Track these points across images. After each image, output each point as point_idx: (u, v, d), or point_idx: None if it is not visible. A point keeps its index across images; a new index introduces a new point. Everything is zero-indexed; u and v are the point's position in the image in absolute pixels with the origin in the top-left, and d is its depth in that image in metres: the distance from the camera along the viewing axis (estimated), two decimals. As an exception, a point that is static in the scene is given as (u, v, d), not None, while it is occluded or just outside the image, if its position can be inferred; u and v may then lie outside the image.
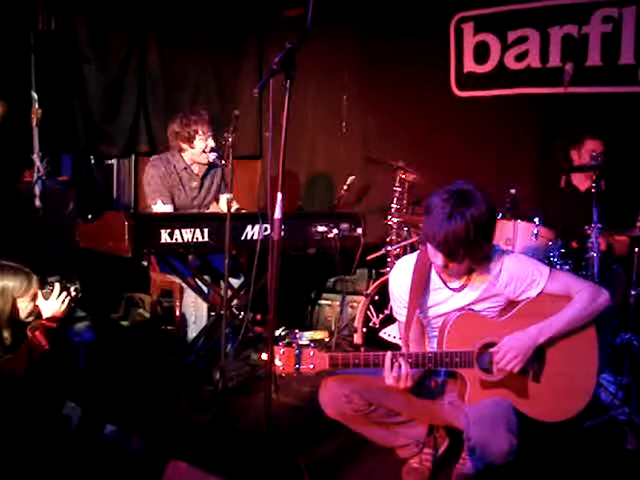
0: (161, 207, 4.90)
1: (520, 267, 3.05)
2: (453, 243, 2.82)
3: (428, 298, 3.15)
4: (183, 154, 4.99)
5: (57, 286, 3.41)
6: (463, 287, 3.09)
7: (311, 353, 2.88)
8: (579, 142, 4.98)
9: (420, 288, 3.12)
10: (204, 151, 4.90)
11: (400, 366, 2.89)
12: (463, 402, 3.03)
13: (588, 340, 3.08)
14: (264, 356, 2.79)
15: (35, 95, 4.96)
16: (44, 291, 3.41)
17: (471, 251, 2.87)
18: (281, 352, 2.85)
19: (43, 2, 5.24)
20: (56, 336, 3.43)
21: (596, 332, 3.09)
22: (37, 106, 4.96)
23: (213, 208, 5.25)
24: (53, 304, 3.40)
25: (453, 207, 2.81)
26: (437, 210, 2.85)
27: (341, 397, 3.05)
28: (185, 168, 5.01)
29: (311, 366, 2.88)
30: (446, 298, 3.12)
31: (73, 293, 3.49)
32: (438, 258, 2.92)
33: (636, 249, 4.10)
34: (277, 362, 2.84)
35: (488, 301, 3.08)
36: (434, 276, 3.13)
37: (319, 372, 2.92)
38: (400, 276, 3.19)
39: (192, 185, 5.07)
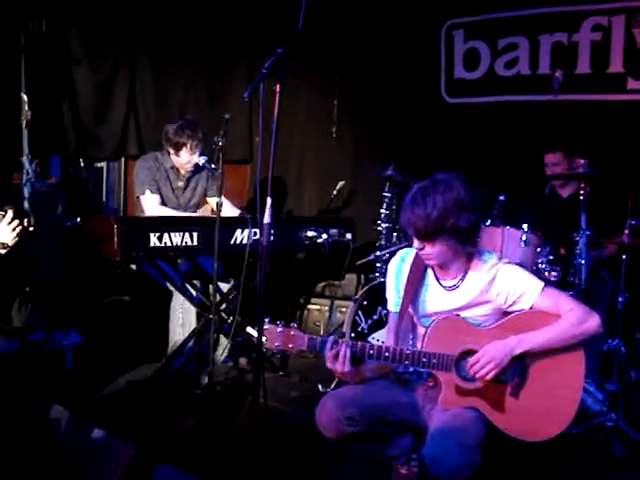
0: (149, 196, 4.94)
1: (514, 278, 3.04)
2: (416, 222, 2.90)
3: (421, 292, 3.16)
4: (171, 156, 5.03)
5: (10, 212, 3.40)
6: (455, 287, 3.10)
7: (292, 332, 2.96)
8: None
9: (415, 280, 3.14)
10: (189, 163, 4.97)
11: (339, 350, 2.92)
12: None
13: (575, 365, 3.02)
14: (251, 330, 2.89)
15: (25, 97, 4.95)
16: None
17: (439, 230, 2.90)
18: (265, 328, 2.93)
19: (34, 4, 5.23)
20: (6, 261, 3.44)
21: (584, 358, 3.02)
22: (27, 108, 4.94)
23: (203, 210, 5.27)
24: (3, 230, 3.39)
25: (420, 190, 2.94)
26: (407, 197, 2.98)
27: (342, 420, 3.01)
28: (172, 167, 5.07)
29: (290, 345, 2.96)
30: (437, 295, 3.12)
31: (26, 223, 3.48)
32: (415, 242, 2.99)
33: (623, 256, 4.13)
34: None
35: (477, 308, 3.07)
36: (429, 271, 3.16)
37: (297, 352, 2.99)
38: (401, 267, 3.22)
39: (178, 184, 5.12)
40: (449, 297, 3.10)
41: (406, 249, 3.31)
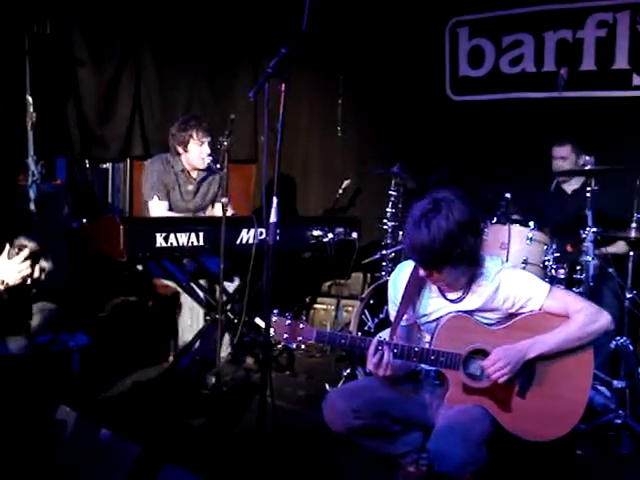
0: (157, 203, 4.93)
1: (519, 284, 3.01)
2: (421, 252, 2.85)
3: (423, 305, 3.14)
4: (181, 157, 5.01)
5: (26, 252, 3.03)
6: (461, 299, 3.07)
7: (301, 326, 2.97)
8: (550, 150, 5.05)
9: (414, 293, 3.12)
10: (201, 157, 4.93)
11: (382, 354, 2.91)
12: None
13: (583, 367, 3.02)
14: (259, 322, 2.91)
15: (30, 99, 4.95)
16: (10, 249, 3.04)
17: (446, 260, 2.85)
18: (273, 320, 2.93)
19: (38, 6, 5.23)
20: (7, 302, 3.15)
21: (593, 359, 3.02)
22: (32, 110, 4.94)
23: (208, 213, 5.26)
24: (12, 267, 3.02)
25: (422, 216, 2.85)
26: (410, 218, 2.90)
27: (348, 413, 3.02)
28: (182, 170, 5.04)
29: (299, 338, 2.97)
30: (442, 307, 3.10)
31: (37, 273, 3.09)
32: (420, 270, 2.95)
33: (631, 252, 4.11)
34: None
35: (485, 313, 3.06)
36: (432, 284, 3.12)
37: (306, 345, 3.02)
38: (397, 278, 3.21)
39: (188, 188, 5.09)
40: (455, 308, 3.08)
41: (405, 262, 3.29)
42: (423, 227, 2.82)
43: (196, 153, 4.95)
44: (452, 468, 2.76)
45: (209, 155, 4.88)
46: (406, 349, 2.96)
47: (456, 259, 2.86)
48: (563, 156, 4.94)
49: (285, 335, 2.97)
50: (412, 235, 2.86)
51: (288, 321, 2.96)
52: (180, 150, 4.98)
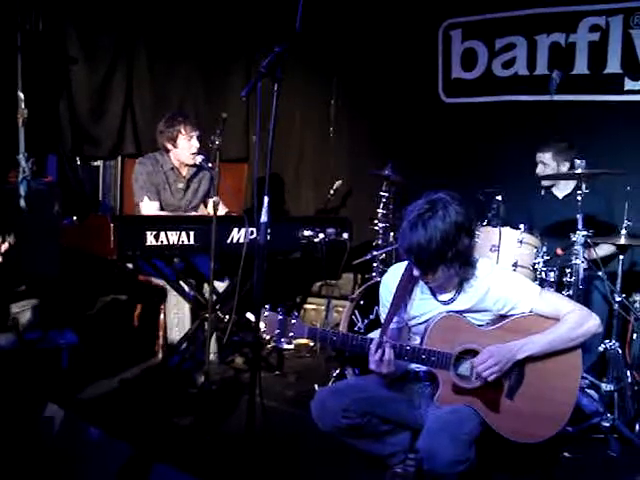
0: (148, 204, 4.91)
1: (509, 286, 3.04)
2: (417, 252, 2.86)
3: (414, 306, 3.15)
4: (170, 154, 5.00)
5: None
6: (452, 300, 3.09)
7: (292, 322, 2.96)
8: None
9: (405, 295, 3.13)
10: (191, 153, 4.92)
11: (384, 351, 2.91)
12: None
13: (572, 368, 3.04)
14: (250, 316, 2.89)
15: (22, 95, 4.93)
16: None
17: (441, 260, 2.87)
18: (265, 315, 2.92)
19: (31, 3, 5.21)
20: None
21: (581, 361, 3.05)
22: (23, 106, 4.93)
23: (201, 212, 5.25)
24: None
25: (418, 216, 2.87)
26: (406, 219, 2.92)
27: (337, 411, 3.02)
28: (172, 168, 5.02)
29: (290, 334, 2.96)
30: (433, 308, 3.11)
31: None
32: (414, 269, 2.96)
33: (621, 257, 4.12)
34: (260, 325, 2.91)
35: (476, 314, 3.07)
36: (423, 286, 3.13)
37: (297, 341, 3.01)
38: (389, 281, 3.21)
39: (178, 186, 5.07)
40: (446, 310, 3.09)
41: (397, 264, 3.30)
42: (420, 227, 2.85)
43: (185, 148, 4.93)
44: (441, 467, 2.76)
45: (200, 154, 4.86)
46: (397, 347, 2.96)
47: (451, 259, 2.88)
48: (544, 162, 4.94)
49: (277, 330, 2.95)
50: (408, 235, 2.88)
51: (280, 317, 2.95)
52: (169, 146, 4.97)
